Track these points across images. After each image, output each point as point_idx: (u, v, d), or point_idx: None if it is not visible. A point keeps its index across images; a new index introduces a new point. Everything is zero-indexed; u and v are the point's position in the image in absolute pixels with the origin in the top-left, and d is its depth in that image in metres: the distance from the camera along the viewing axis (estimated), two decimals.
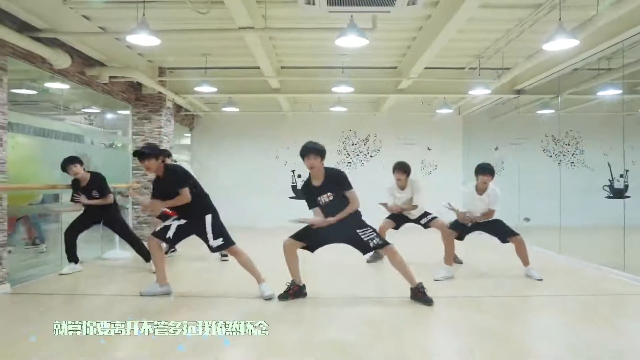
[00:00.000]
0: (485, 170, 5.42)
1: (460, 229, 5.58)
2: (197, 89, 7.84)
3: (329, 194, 4.36)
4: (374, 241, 4.34)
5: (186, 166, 6.45)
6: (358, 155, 11.82)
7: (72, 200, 5.92)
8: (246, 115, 11.24)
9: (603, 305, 4.49)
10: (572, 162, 12.08)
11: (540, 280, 5.27)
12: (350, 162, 11.81)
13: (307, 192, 4.47)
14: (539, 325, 3.99)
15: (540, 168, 11.52)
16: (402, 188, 6.13)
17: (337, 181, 4.37)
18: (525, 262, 5.48)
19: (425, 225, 6.16)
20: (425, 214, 6.17)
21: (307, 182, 4.47)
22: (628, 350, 3.30)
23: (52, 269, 5.94)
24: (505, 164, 11.34)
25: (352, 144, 11.83)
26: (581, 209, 10.63)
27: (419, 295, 4.37)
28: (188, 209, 4.55)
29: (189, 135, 12.29)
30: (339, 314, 4.18)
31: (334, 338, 3.53)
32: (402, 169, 6.07)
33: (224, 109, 9.69)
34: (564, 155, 12.03)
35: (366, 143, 11.82)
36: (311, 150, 4.28)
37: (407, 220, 6.27)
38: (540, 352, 3.29)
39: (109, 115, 8.97)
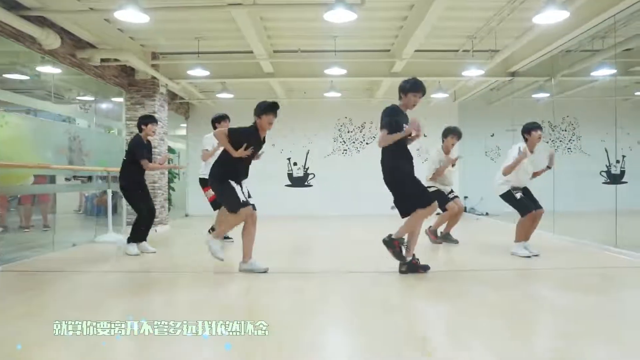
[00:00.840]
0: (539, 127, 5.30)
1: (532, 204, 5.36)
2: (190, 72, 7.82)
3: None
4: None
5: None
6: (354, 142, 11.81)
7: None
8: (241, 103, 11.17)
9: (597, 276, 4.49)
10: (569, 148, 12.08)
11: (535, 256, 5.22)
12: (346, 150, 11.80)
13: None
14: (538, 295, 3.94)
15: (536, 154, 11.51)
16: (448, 152, 6.31)
17: None
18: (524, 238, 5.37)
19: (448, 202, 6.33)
20: (452, 190, 6.40)
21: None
22: (620, 313, 3.29)
23: (43, 251, 5.94)
24: (502, 150, 11.34)
25: (348, 131, 11.82)
26: (577, 194, 10.67)
27: (417, 265, 4.31)
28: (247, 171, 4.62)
29: (185, 125, 12.28)
30: (337, 289, 4.14)
31: (334, 313, 3.45)
32: (457, 134, 6.28)
33: (218, 96, 9.67)
34: (560, 141, 12.02)
35: (362, 130, 11.80)
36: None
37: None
38: (539, 319, 3.27)
39: (103, 105, 8.95)
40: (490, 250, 5.88)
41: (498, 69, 8.44)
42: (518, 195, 5.25)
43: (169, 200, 9.78)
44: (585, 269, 4.84)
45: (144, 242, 5.94)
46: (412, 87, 4.23)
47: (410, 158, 4.24)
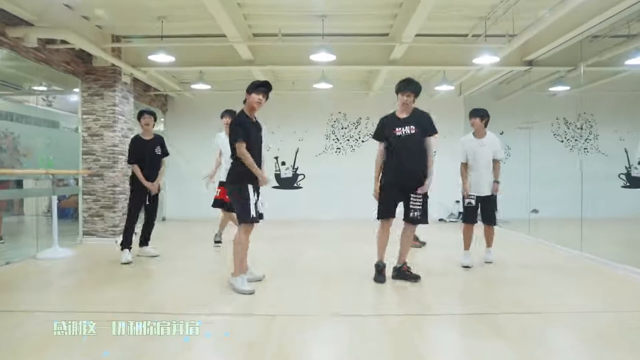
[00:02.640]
0: (474, 114, 5.31)
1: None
2: (151, 57, 6.66)
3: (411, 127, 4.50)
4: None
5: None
6: (348, 140, 10.66)
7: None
8: (224, 95, 10.04)
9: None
10: (586, 148, 10.95)
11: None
12: (339, 148, 10.66)
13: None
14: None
15: (550, 154, 10.42)
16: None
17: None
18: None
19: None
20: None
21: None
22: None
23: None
24: (512, 150, 10.25)
25: (342, 128, 10.67)
26: (596, 199, 9.55)
27: (407, 272, 4.46)
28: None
29: (162, 118, 11.13)
30: (295, 340, 3.06)
31: None
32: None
33: (193, 87, 8.52)
34: (576, 140, 10.89)
35: (357, 127, 10.65)
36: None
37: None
38: None
39: (55, 96, 7.81)
40: (496, 279, 4.75)
41: (513, 58, 7.29)
42: (467, 201, 5.30)
43: None
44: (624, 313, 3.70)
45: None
46: (400, 87, 4.62)
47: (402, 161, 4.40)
